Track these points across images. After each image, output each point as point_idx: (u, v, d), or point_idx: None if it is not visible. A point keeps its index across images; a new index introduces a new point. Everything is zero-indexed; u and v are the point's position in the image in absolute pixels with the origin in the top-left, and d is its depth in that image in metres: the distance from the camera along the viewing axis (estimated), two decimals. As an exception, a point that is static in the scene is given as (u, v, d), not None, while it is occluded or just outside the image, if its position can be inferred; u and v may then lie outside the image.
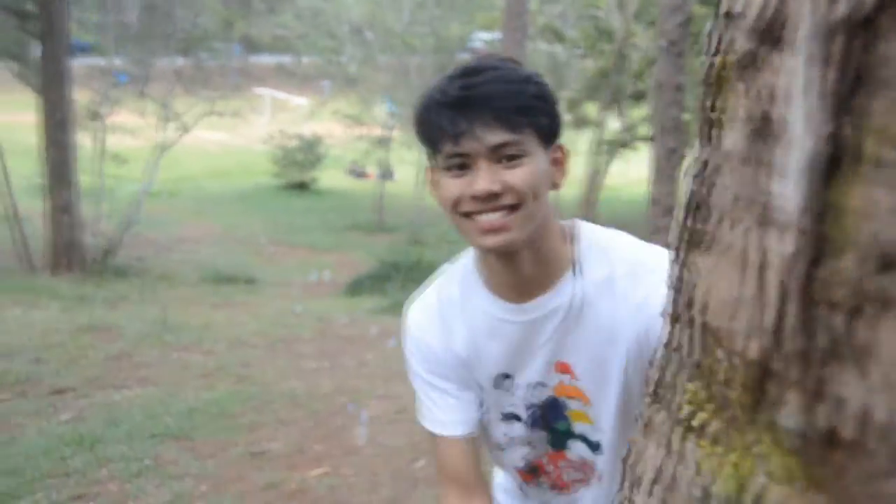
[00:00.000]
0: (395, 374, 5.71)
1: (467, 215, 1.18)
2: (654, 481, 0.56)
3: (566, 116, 18.41)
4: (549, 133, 1.21)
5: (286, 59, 28.29)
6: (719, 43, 0.46)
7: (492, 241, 1.18)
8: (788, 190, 0.38)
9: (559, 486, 1.42)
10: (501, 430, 1.40)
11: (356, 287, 11.57)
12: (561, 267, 1.27)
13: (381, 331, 7.49)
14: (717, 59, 0.46)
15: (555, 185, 1.24)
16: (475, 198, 1.16)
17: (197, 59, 15.48)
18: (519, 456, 1.42)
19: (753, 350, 0.43)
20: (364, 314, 8.95)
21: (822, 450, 0.38)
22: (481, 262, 1.31)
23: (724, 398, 0.47)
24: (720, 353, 0.47)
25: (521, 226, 1.17)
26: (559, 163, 1.25)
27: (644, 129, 16.56)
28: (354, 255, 14.35)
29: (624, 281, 1.23)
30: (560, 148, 1.25)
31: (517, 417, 1.38)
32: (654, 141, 7.65)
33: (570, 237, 1.29)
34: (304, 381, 5.73)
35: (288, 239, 15.95)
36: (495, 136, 1.14)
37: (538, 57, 16.81)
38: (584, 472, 1.38)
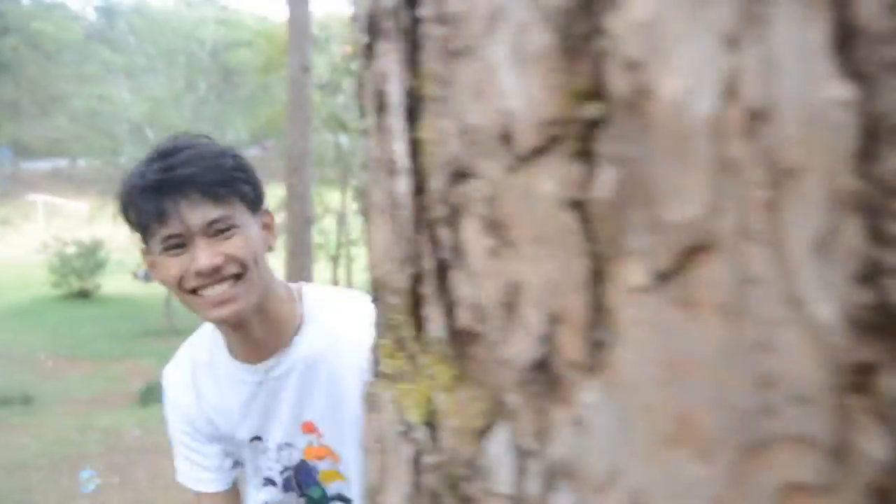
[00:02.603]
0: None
1: (194, 291, 1.20)
2: (377, 441, 0.58)
3: (354, 205, 18.71)
4: (254, 201, 1.25)
5: (61, 163, 26.95)
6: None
7: (222, 312, 1.20)
8: (398, 141, 0.46)
9: None
10: (261, 497, 1.42)
11: (148, 395, 10.96)
12: (291, 327, 1.30)
13: (176, 437, 7.15)
14: (359, 62, 0.54)
15: (269, 248, 1.29)
16: (199, 273, 1.17)
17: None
18: None
19: (405, 282, 0.49)
20: (157, 423, 8.52)
21: (463, 347, 0.44)
22: (218, 329, 1.34)
23: (401, 339, 0.52)
24: (390, 298, 0.52)
25: (247, 293, 1.20)
26: (269, 227, 1.30)
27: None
28: (146, 363, 13.63)
29: (347, 332, 1.26)
30: (268, 213, 1.30)
31: (273, 482, 1.40)
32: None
33: (297, 298, 1.33)
34: (91, 501, 5.37)
35: (71, 352, 14.90)
36: (205, 213, 1.17)
37: (325, 147, 17.07)
38: None
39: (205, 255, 1.17)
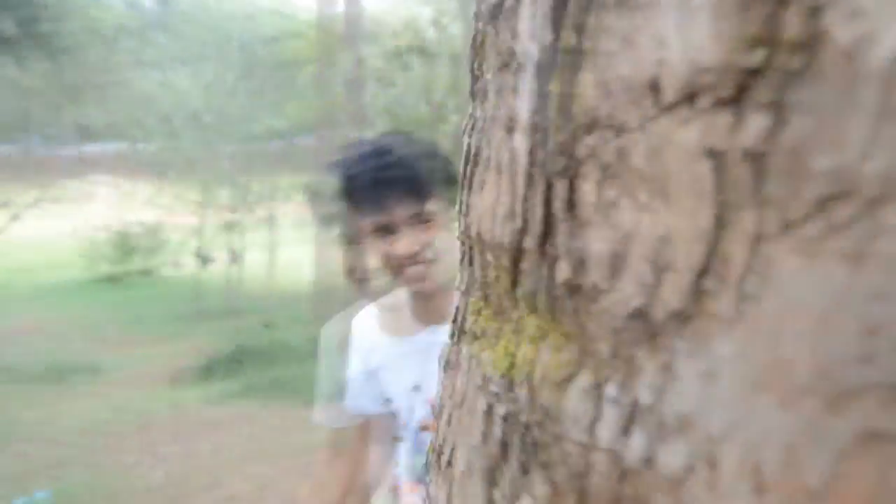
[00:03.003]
0: (254, 454, 5.67)
1: (395, 268, 1.42)
2: (450, 398, 0.58)
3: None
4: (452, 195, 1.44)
5: (122, 146, 27.46)
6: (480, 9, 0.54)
7: (417, 286, 1.44)
8: (523, 98, 0.46)
9: None
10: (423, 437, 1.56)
11: (208, 372, 11.27)
12: None
13: (237, 414, 7.38)
14: (480, 24, 0.53)
15: None
16: (401, 256, 1.40)
17: (26, 145, 14.85)
18: (406, 472, 1.58)
19: (508, 237, 0.48)
20: (217, 398, 8.77)
21: (559, 301, 0.44)
22: (391, 301, 1.55)
23: (495, 296, 0.51)
24: (489, 257, 0.52)
25: (438, 273, 1.42)
26: None
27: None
28: (205, 341, 13.96)
29: None
30: None
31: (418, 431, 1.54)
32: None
33: None
34: (160, 468, 5.60)
35: (134, 328, 15.33)
36: (410, 208, 1.39)
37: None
38: None
39: (406, 242, 1.40)
